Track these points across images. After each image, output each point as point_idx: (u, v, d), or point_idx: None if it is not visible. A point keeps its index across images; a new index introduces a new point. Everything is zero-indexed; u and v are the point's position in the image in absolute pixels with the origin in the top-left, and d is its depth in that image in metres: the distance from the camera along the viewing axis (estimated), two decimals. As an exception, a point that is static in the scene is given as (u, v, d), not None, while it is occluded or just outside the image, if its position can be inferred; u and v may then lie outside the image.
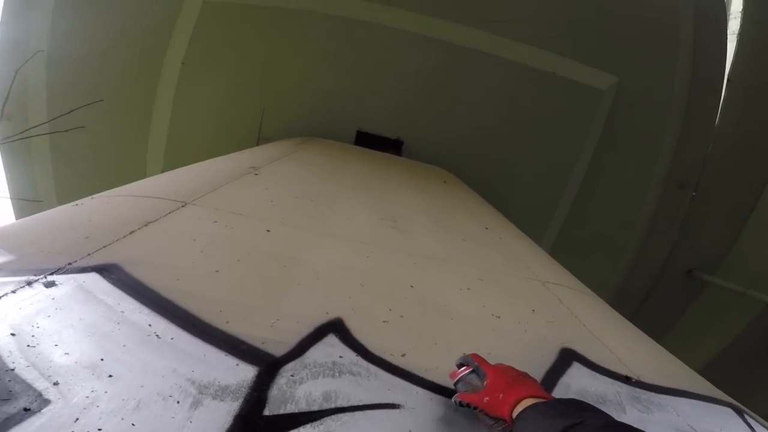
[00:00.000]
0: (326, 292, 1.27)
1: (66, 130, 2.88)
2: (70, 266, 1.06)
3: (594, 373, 1.25)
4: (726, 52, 4.22)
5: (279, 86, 4.14)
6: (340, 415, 0.85)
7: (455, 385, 0.97)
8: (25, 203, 3.94)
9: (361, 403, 0.90)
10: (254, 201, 1.86)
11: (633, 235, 4.57)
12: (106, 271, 1.07)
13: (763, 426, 1.27)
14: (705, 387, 1.40)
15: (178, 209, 1.55)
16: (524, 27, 3.96)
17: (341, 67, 4.10)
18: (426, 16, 3.91)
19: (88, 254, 1.13)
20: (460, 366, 1.00)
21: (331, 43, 3.99)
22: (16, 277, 0.97)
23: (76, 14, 3.75)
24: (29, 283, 0.97)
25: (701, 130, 4.35)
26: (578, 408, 0.77)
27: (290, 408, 0.82)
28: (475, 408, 0.88)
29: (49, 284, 0.98)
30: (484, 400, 0.87)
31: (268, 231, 1.58)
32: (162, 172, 4.27)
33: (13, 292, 0.92)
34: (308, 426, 0.80)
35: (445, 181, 3.69)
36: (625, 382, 1.24)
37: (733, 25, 4.36)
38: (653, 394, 1.23)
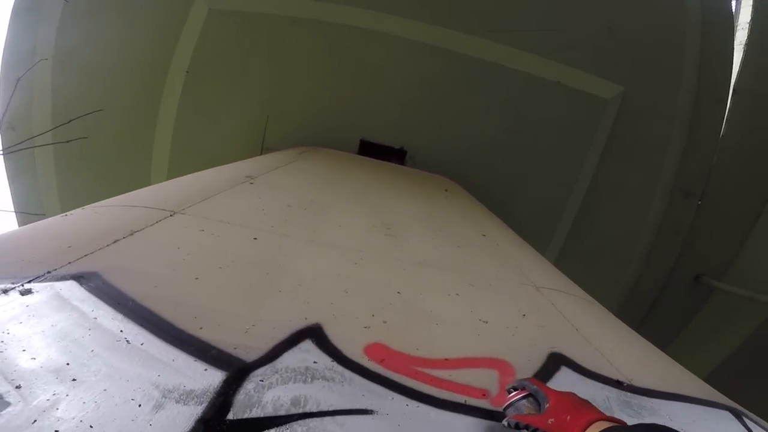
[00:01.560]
0: (307, 299, 1.26)
1: (67, 141, 2.91)
2: (48, 274, 1.07)
3: (582, 377, 1.22)
4: (732, 63, 4.21)
5: (283, 95, 4.18)
6: (308, 420, 0.84)
7: (505, 410, 0.95)
8: (28, 217, 4.01)
9: (331, 409, 0.88)
10: (245, 209, 1.87)
11: (639, 243, 4.52)
12: (83, 278, 1.07)
13: (763, 428, 1.22)
14: (703, 390, 1.36)
15: (165, 218, 1.56)
16: (529, 36, 3.97)
17: (345, 76, 4.13)
18: (431, 25, 3.93)
19: (69, 263, 1.13)
20: (511, 391, 0.98)
21: (335, 51, 4.02)
22: (-8, 285, 0.98)
23: (83, 23, 3.81)
24: (5, 291, 0.97)
25: (706, 140, 4.33)
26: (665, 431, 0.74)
27: (256, 413, 0.81)
28: (536, 430, 0.85)
29: (25, 292, 0.98)
30: (548, 422, 0.84)
31: (255, 239, 1.58)
32: (166, 180, 4.33)
33: (-12, 299, 0.93)
34: (273, 430, 0.79)
35: (446, 190, 3.68)
36: (615, 387, 1.21)
37: (741, 36, 4.36)
38: (645, 398, 1.19)
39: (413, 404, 0.96)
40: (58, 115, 3.92)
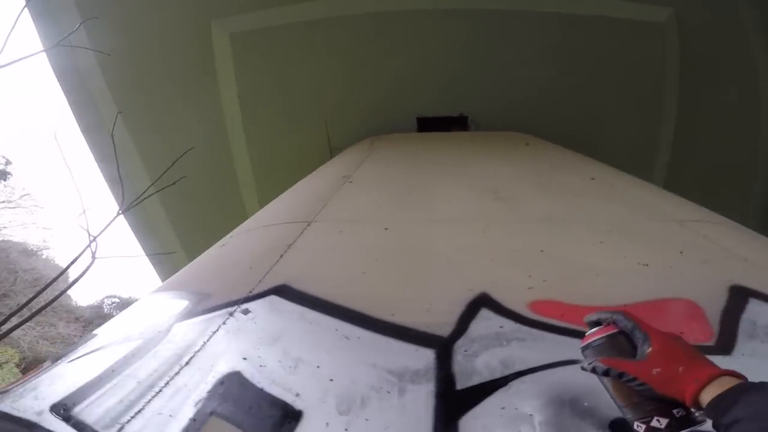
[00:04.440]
0: (461, 272, 1.33)
1: (173, 183, 3.22)
2: (252, 294, 1.23)
3: (784, 308, 1.12)
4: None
5: (331, 96, 4.23)
6: (524, 378, 0.91)
7: (584, 350, 0.74)
8: (161, 257, 4.49)
9: (538, 364, 0.95)
10: (362, 206, 1.98)
11: (757, 158, 4.10)
12: (281, 291, 1.22)
13: None
14: None
15: (306, 229, 1.70)
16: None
17: (381, 62, 4.07)
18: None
19: (259, 281, 1.30)
20: (594, 324, 0.76)
21: (360, 41, 3.95)
22: (218, 312, 1.16)
23: (126, 68, 3.98)
24: (231, 314, 1.14)
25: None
26: None
27: (477, 379, 0.90)
28: (632, 380, 0.65)
29: (246, 311, 1.15)
30: (653, 372, 0.64)
31: (386, 229, 1.68)
32: (257, 199, 4.64)
33: (224, 323, 1.10)
34: (499, 392, 0.87)
35: (527, 144, 3.59)
36: None
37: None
38: None
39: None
40: (148, 161, 4.30)
